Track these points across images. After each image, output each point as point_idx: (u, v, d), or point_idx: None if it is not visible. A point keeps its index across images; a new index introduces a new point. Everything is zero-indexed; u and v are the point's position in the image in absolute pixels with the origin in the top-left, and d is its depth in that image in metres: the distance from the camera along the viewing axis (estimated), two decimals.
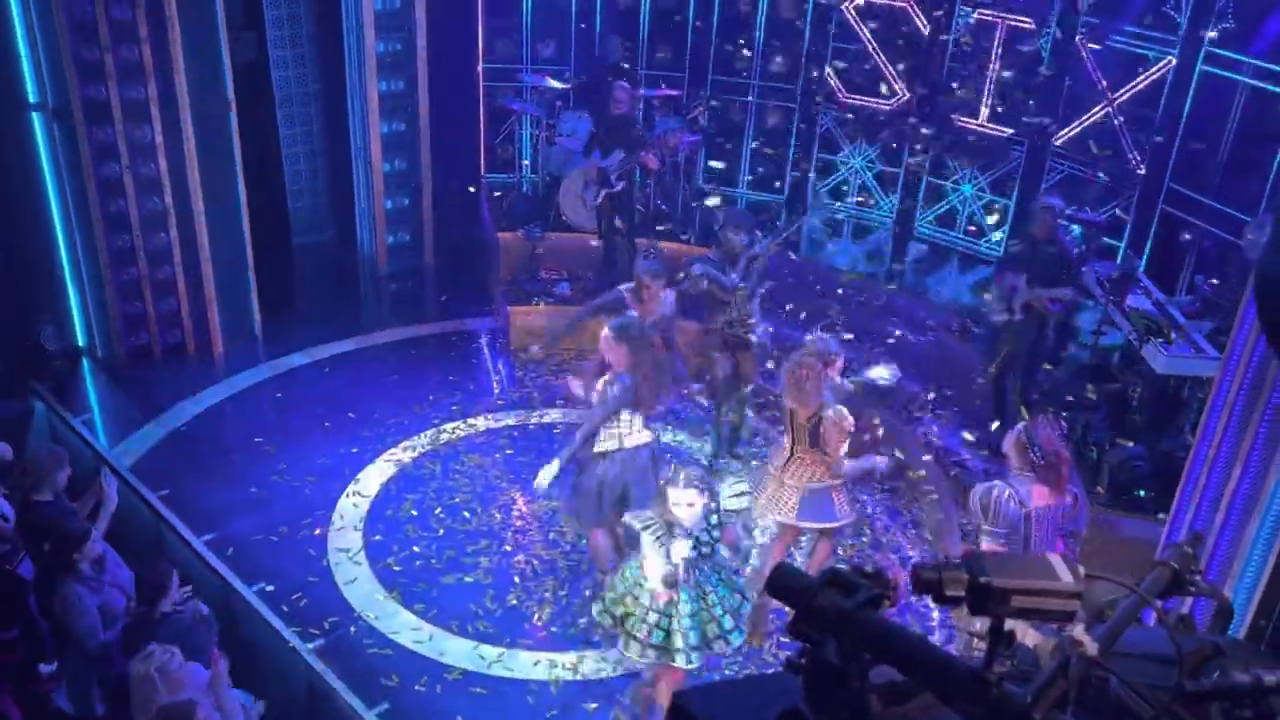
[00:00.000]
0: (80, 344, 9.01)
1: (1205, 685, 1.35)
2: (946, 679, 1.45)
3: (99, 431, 8.09)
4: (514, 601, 6.74)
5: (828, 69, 10.76)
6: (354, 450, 8.13)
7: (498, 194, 11.35)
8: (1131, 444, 7.20)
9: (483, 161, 11.55)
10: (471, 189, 11.14)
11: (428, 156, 10.64)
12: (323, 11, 10.56)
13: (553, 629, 6.54)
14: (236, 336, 9.42)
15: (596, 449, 6.18)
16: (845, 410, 6.00)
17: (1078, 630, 1.47)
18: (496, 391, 9.18)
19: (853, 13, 10.45)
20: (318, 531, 7.27)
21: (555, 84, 10.88)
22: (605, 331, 6.11)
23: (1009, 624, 1.53)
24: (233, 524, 7.21)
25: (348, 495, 7.65)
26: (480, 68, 11.10)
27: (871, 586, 1.63)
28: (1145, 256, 8.57)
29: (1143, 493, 6.74)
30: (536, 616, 6.62)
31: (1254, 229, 7.01)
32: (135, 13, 8.06)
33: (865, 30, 10.44)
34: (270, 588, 6.59)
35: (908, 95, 10.42)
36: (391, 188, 10.59)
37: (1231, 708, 1.37)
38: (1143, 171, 8.85)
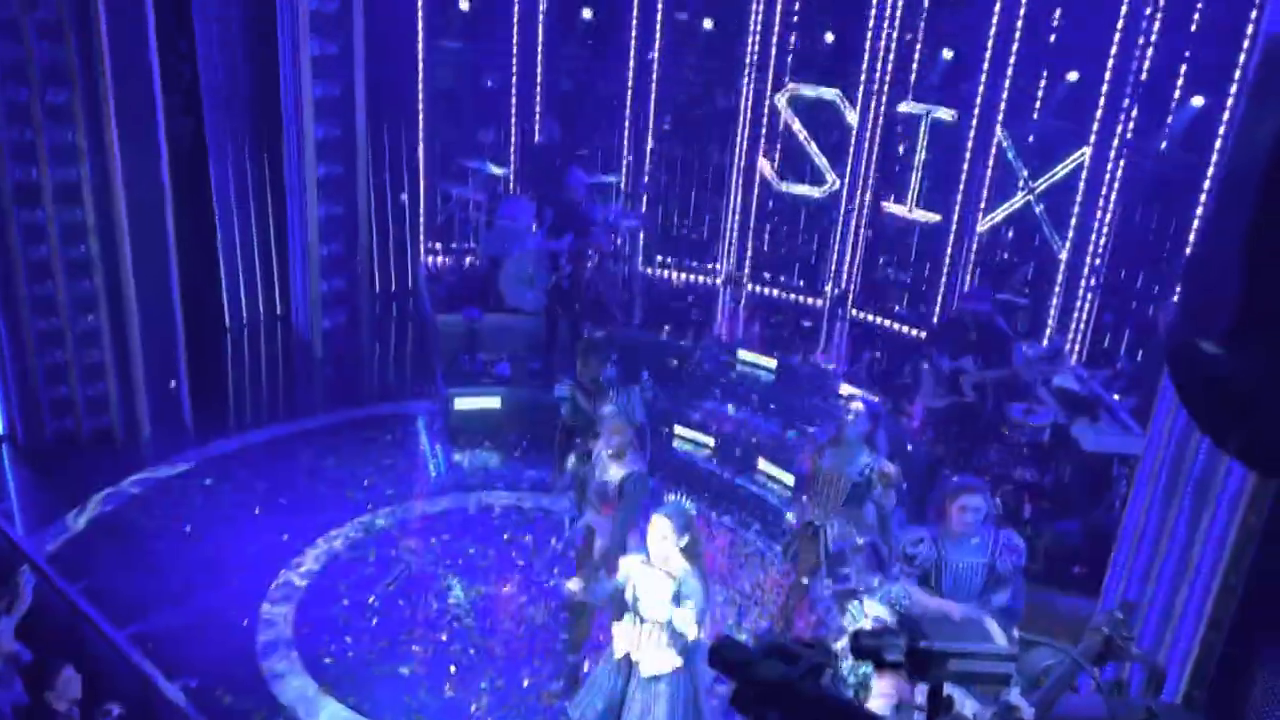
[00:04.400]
0: (1, 430, 8.71)
1: None
2: None
3: (16, 520, 7.78)
4: (450, 693, 6.55)
5: (760, 157, 11.07)
6: (285, 537, 7.91)
7: (436, 276, 11.39)
8: (1064, 521, 7.34)
9: (422, 245, 11.61)
10: (409, 269, 11.16)
11: (366, 239, 10.65)
12: (262, 96, 10.61)
13: None
14: (165, 421, 9.18)
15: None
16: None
17: (1013, 695, 1.48)
18: (433, 476, 9.05)
19: (785, 104, 10.81)
20: (245, 623, 7.03)
21: (495, 169, 11.02)
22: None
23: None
24: (155, 616, 6.93)
25: (278, 584, 7.42)
26: (421, 152, 11.22)
27: (813, 656, 1.63)
28: (1072, 336, 8.86)
29: (1077, 568, 6.84)
30: (474, 707, 6.44)
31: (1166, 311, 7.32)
32: (72, 96, 8.02)
33: (796, 120, 10.80)
34: (193, 683, 6.32)
35: (839, 183, 10.76)
36: (329, 270, 10.54)
37: None
38: (1065, 256, 9.20)
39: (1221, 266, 1.00)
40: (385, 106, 10.63)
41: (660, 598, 5.04)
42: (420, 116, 11.12)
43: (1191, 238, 7.84)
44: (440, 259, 11.74)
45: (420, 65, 10.99)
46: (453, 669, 6.74)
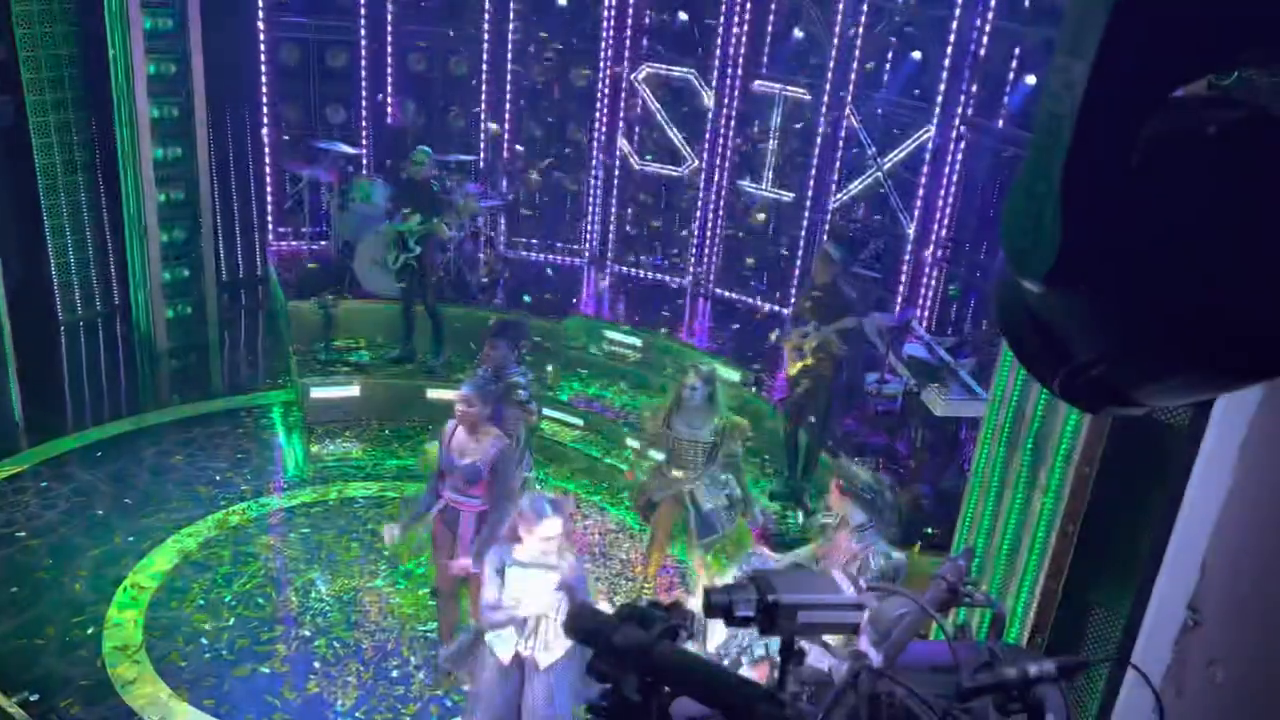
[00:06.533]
0: None
1: (979, 681, 1.42)
2: (741, 702, 1.46)
3: None
4: (315, 689, 6.36)
5: (619, 137, 11.07)
6: (131, 539, 7.52)
7: (287, 262, 10.99)
8: (918, 485, 7.63)
9: (271, 229, 11.18)
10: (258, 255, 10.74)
11: (210, 225, 10.17)
12: (89, 75, 9.99)
13: (358, 715, 6.20)
14: None
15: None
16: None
17: (864, 643, 1.51)
18: (291, 468, 8.76)
19: (642, 84, 10.84)
20: (90, 630, 6.65)
21: (347, 149, 10.69)
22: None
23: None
24: None
25: (125, 588, 7.05)
26: (266, 133, 10.77)
27: (668, 618, 1.63)
28: (920, 307, 9.20)
29: (930, 530, 7.13)
30: (340, 703, 6.27)
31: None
32: None
33: (654, 100, 10.84)
34: (34, 697, 5.97)
35: (696, 163, 10.86)
36: (170, 258, 10.02)
37: (1002, 700, 1.45)
38: (912, 230, 9.53)
39: (1041, 208, 1.02)
40: (225, 84, 10.16)
41: (546, 590, 4.92)
42: (264, 95, 10.66)
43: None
44: (291, 244, 11.31)
45: (262, 41, 10.52)
46: (317, 665, 6.55)
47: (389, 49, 11.07)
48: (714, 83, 10.54)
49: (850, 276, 8.12)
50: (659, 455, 6.79)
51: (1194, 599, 2.39)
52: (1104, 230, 0.99)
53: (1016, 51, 8.85)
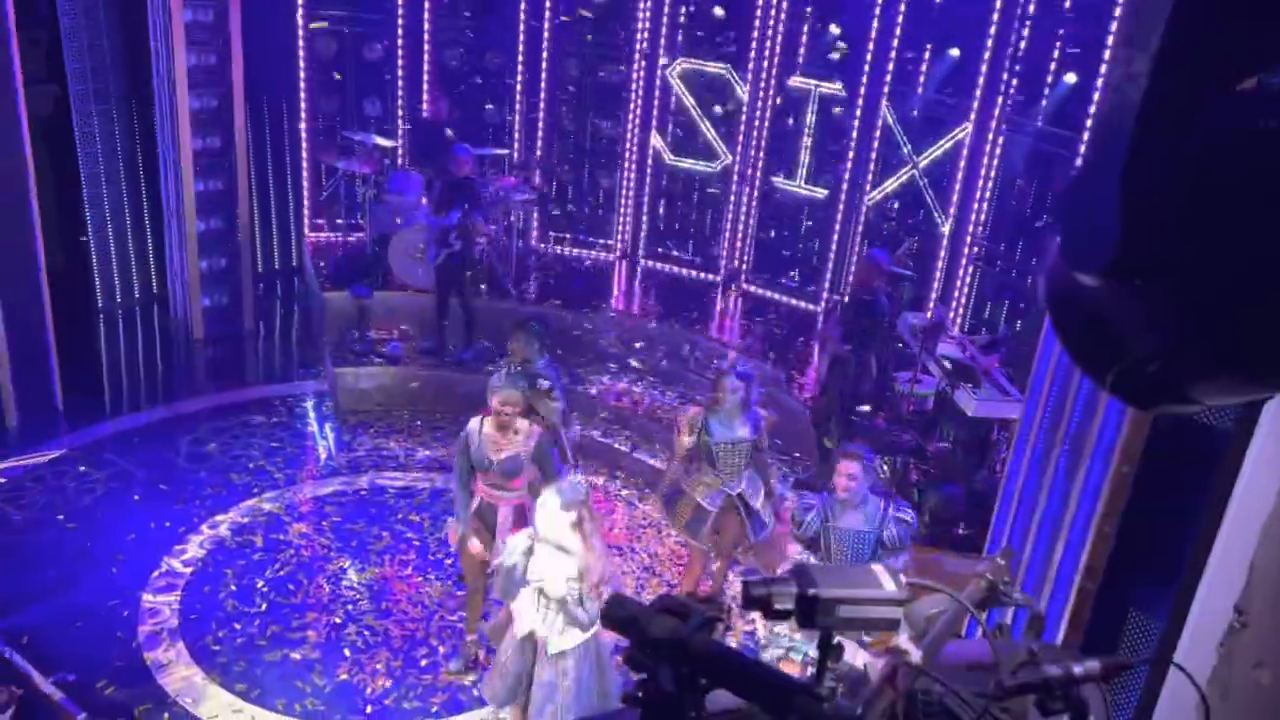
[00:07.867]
0: None
1: (1020, 679, 1.40)
2: (779, 696, 1.45)
3: None
4: (345, 676, 6.41)
5: (653, 133, 11.06)
6: (167, 524, 7.62)
7: (322, 253, 11.08)
8: (949, 485, 7.58)
9: (307, 220, 11.27)
10: (294, 246, 10.84)
11: (247, 215, 10.27)
12: (131, 65, 10.11)
13: (387, 703, 6.25)
14: (34, 407, 8.72)
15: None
16: None
17: (902, 639, 1.50)
18: (322, 457, 8.83)
19: (677, 79, 10.81)
20: (126, 614, 6.74)
21: (382, 142, 10.75)
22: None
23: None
24: (28, 610, 6.59)
25: (160, 572, 7.14)
26: (304, 125, 10.86)
27: (705, 611, 1.63)
28: (954, 306, 9.13)
29: (961, 530, 7.08)
30: (369, 689, 6.32)
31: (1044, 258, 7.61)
32: None
33: (689, 96, 10.81)
34: (72, 677, 6.06)
35: (731, 159, 10.83)
36: (208, 248, 10.14)
37: (1044, 699, 1.43)
38: (948, 228, 9.45)
39: (1100, 201, 1.01)
40: (264, 76, 10.24)
41: (562, 575, 4.92)
42: (301, 87, 10.75)
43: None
44: (326, 235, 11.40)
45: (300, 34, 10.61)
46: (347, 652, 6.60)
47: (425, 42, 11.13)
48: (749, 78, 10.50)
49: (892, 283, 8.10)
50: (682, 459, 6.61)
51: (1240, 600, 2.35)
52: (1164, 223, 0.97)
53: (1056, 48, 8.76)
